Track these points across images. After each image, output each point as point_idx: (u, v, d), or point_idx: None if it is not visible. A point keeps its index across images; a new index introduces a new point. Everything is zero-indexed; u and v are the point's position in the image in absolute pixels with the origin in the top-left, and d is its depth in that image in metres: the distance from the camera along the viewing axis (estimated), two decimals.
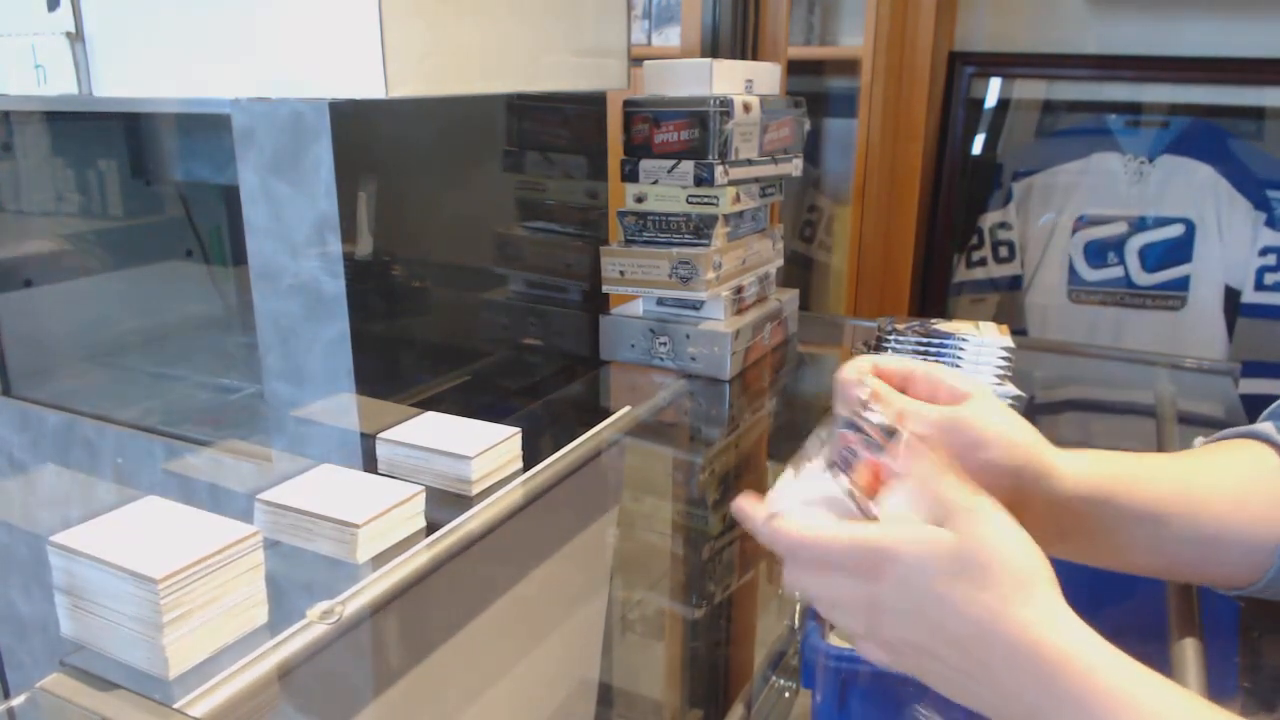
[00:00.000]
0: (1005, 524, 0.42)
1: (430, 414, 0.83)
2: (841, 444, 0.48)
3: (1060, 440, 0.54)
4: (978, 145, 1.90)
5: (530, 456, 0.82)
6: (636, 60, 1.08)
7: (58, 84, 0.86)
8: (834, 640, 0.66)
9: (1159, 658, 0.56)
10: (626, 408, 0.98)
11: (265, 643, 0.57)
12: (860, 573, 0.43)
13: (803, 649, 0.55)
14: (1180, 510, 0.54)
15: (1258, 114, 1.71)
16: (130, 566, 0.53)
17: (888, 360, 0.54)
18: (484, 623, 0.67)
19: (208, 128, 1.14)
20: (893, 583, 0.42)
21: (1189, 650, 0.57)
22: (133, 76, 0.83)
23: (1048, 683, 0.39)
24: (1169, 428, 0.97)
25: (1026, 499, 0.51)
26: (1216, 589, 0.58)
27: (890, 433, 0.47)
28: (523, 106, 1.00)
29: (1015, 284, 1.89)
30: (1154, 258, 1.78)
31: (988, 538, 0.41)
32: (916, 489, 0.44)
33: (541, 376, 1.08)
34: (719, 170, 1.03)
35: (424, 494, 0.70)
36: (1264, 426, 0.58)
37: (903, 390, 0.53)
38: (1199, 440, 0.62)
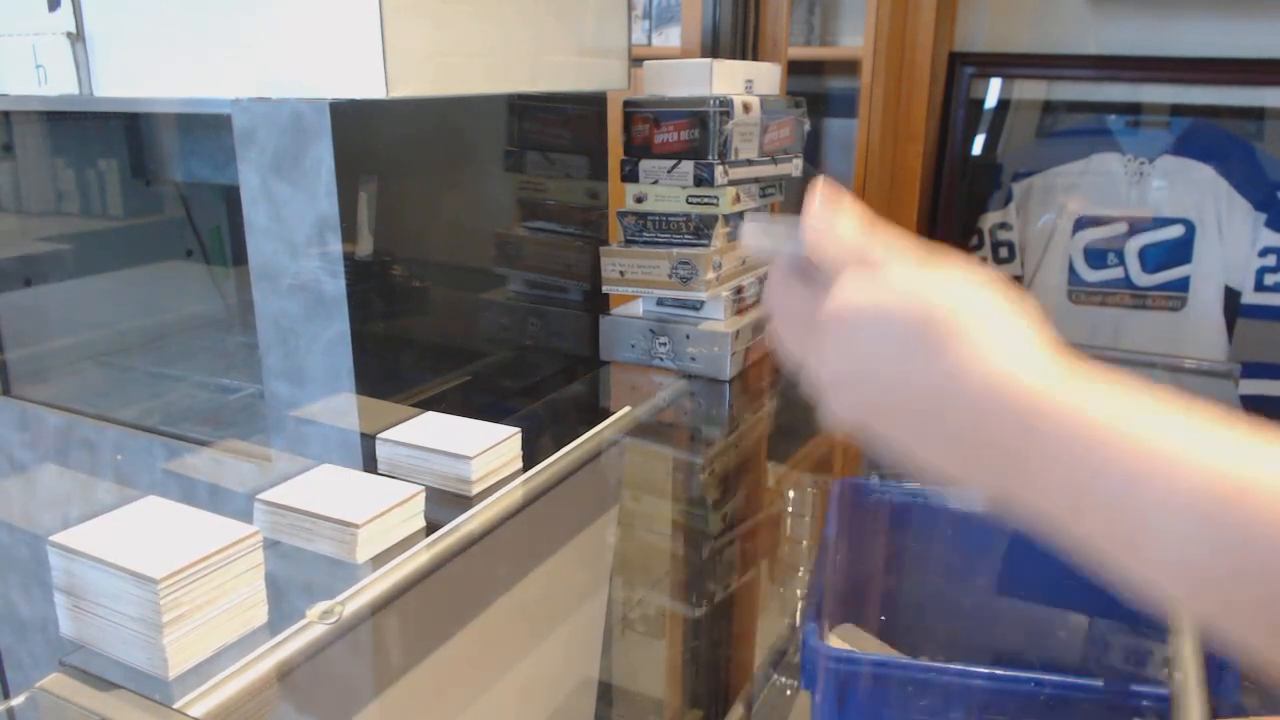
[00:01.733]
0: (967, 270, 0.38)
1: (430, 414, 0.83)
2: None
3: None
4: (978, 146, 1.90)
5: (530, 456, 0.81)
6: (637, 60, 1.08)
7: (58, 84, 0.86)
8: (834, 641, 0.66)
9: (1158, 658, 0.56)
10: (626, 408, 0.98)
11: (265, 643, 0.57)
12: (814, 324, 0.40)
13: (802, 650, 0.55)
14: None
15: (1258, 114, 1.71)
16: (130, 566, 0.53)
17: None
18: (484, 623, 0.67)
19: (208, 128, 1.14)
20: (846, 337, 0.39)
21: (1188, 649, 0.57)
22: (133, 76, 0.83)
23: (1024, 429, 0.33)
24: None
25: None
26: None
27: None
28: (523, 106, 1.00)
29: (1015, 284, 1.89)
30: (1154, 258, 1.78)
31: (936, 280, 0.37)
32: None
33: (541, 376, 1.08)
34: (719, 170, 1.03)
35: (424, 494, 0.70)
36: None
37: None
38: None
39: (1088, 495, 0.32)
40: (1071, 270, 1.84)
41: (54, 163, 1.19)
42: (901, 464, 0.38)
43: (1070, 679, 0.51)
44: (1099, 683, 0.51)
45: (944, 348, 0.35)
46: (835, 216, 0.42)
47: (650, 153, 1.06)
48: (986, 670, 0.53)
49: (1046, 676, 0.51)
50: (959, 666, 0.53)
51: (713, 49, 1.41)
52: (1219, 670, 0.57)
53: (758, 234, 0.45)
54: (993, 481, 0.35)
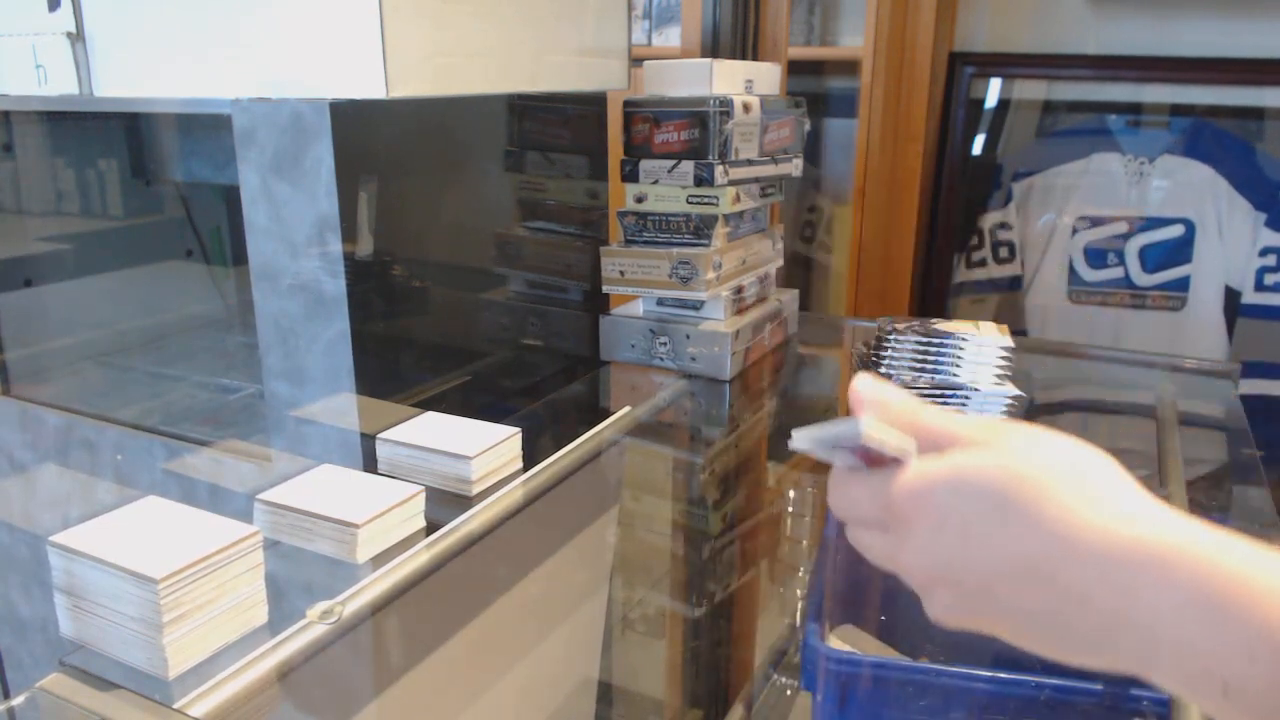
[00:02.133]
0: (1041, 432, 0.35)
1: (430, 414, 0.83)
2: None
3: None
4: (978, 146, 1.90)
5: (530, 456, 0.82)
6: (637, 60, 1.08)
7: (58, 84, 0.86)
8: (834, 642, 0.66)
9: None
10: (626, 408, 0.98)
11: (265, 643, 0.57)
12: (891, 523, 0.37)
13: (803, 651, 0.55)
14: None
15: (1258, 114, 1.71)
16: (130, 566, 0.53)
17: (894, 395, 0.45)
18: (484, 623, 0.67)
19: (208, 128, 1.14)
20: (927, 524, 0.35)
21: None
22: (133, 76, 0.83)
23: (1163, 584, 0.30)
24: (1169, 429, 0.97)
25: None
26: None
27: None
28: (523, 106, 1.00)
29: (1015, 284, 1.89)
30: (1154, 258, 1.78)
31: (1033, 445, 0.34)
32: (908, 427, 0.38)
33: (541, 376, 1.08)
34: (719, 170, 1.03)
35: (424, 494, 0.70)
36: None
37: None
38: None
39: (1235, 654, 0.29)
40: (1071, 270, 1.84)
41: (54, 163, 1.18)
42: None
43: (1070, 681, 0.51)
44: (1098, 685, 0.51)
45: (1040, 510, 0.33)
46: (886, 403, 0.39)
47: (650, 153, 1.06)
48: (987, 672, 0.53)
49: (1046, 679, 0.51)
50: (959, 668, 0.53)
51: (713, 49, 1.41)
52: None
53: (809, 441, 0.41)
54: (1128, 648, 0.32)
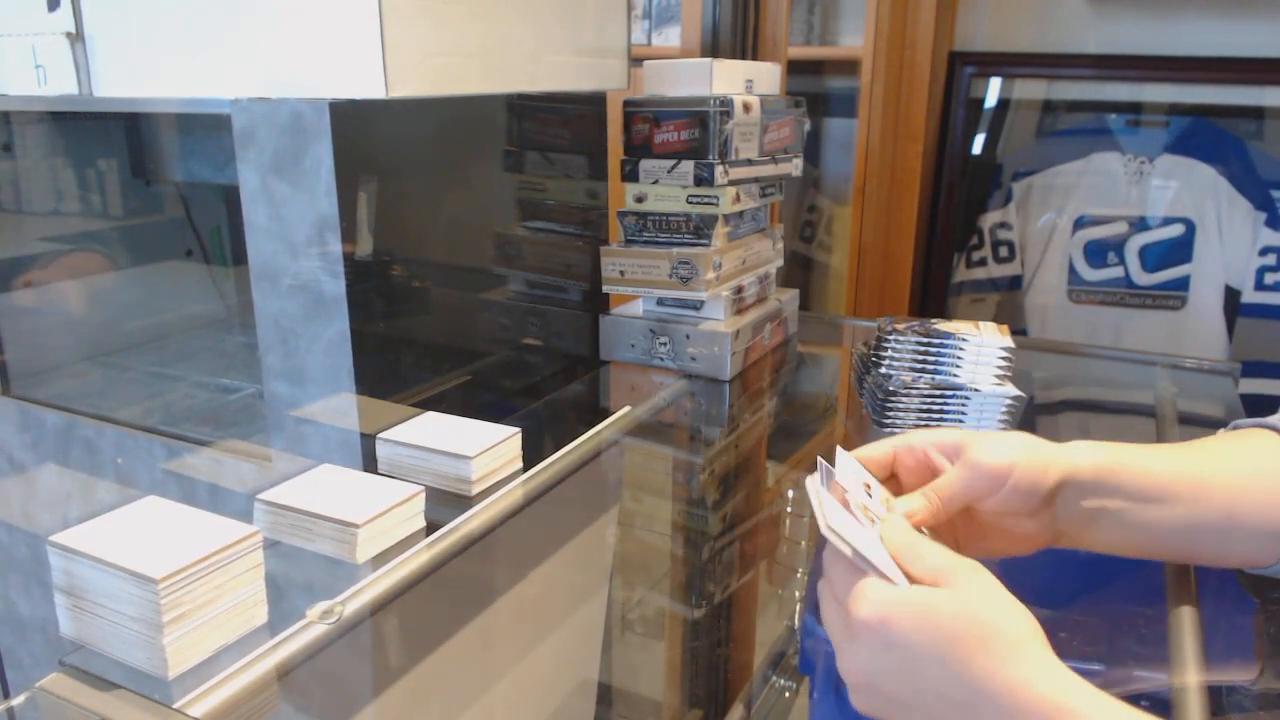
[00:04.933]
0: (991, 586, 0.43)
1: (430, 414, 0.83)
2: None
3: (1059, 442, 0.54)
4: (978, 145, 1.90)
5: (530, 456, 0.82)
6: (636, 60, 1.08)
7: (58, 84, 0.86)
8: None
9: (1158, 658, 0.56)
10: (626, 408, 0.98)
11: (265, 643, 0.57)
12: (850, 627, 0.44)
13: (801, 637, 0.55)
14: (1189, 493, 0.54)
15: (1258, 114, 1.71)
16: (130, 566, 0.53)
17: (868, 451, 0.57)
18: (484, 623, 0.67)
19: (208, 128, 1.14)
20: (881, 644, 0.43)
21: (1188, 648, 0.57)
22: (133, 76, 0.83)
23: None
24: (1169, 428, 0.97)
25: (1041, 500, 0.53)
26: (1237, 567, 0.59)
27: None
28: (523, 106, 1.00)
29: (1015, 284, 1.89)
30: (1154, 258, 1.78)
31: (976, 601, 0.42)
32: (901, 554, 0.45)
33: (541, 376, 1.08)
34: (719, 170, 1.03)
35: (424, 494, 0.70)
36: (1276, 418, 0.59)
37: (891, 471, 0.57)
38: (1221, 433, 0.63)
39: None
40: (1071, 270, 1.84)
41: (54, 163, 1.19)
42: None
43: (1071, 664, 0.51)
44: (1098, 665, 0.51)
45: (973, 660, 0.41)
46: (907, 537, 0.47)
47: (650, 152, 1.06)
48: None
49: None
50: None
51: (713, 49, 1.41)
52: (1219, 669, 0.57)
53: (814, 495, 0.49)
54: None
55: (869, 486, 0.53)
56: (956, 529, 0.55)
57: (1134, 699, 0.51)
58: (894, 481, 0.57)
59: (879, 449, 0.57)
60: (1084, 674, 0.50)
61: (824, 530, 0.46)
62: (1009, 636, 0.41)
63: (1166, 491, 0.54)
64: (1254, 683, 0.59)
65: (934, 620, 0.42)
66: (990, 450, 0.53)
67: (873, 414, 0.94)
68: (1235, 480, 0.55)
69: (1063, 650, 0.41)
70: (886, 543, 0.46)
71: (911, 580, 0.45)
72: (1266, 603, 0.64)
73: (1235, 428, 0.62)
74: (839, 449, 0.56)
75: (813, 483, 0.50)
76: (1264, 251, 1.69)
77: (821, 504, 0.48)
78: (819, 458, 0.53)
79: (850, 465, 0.55)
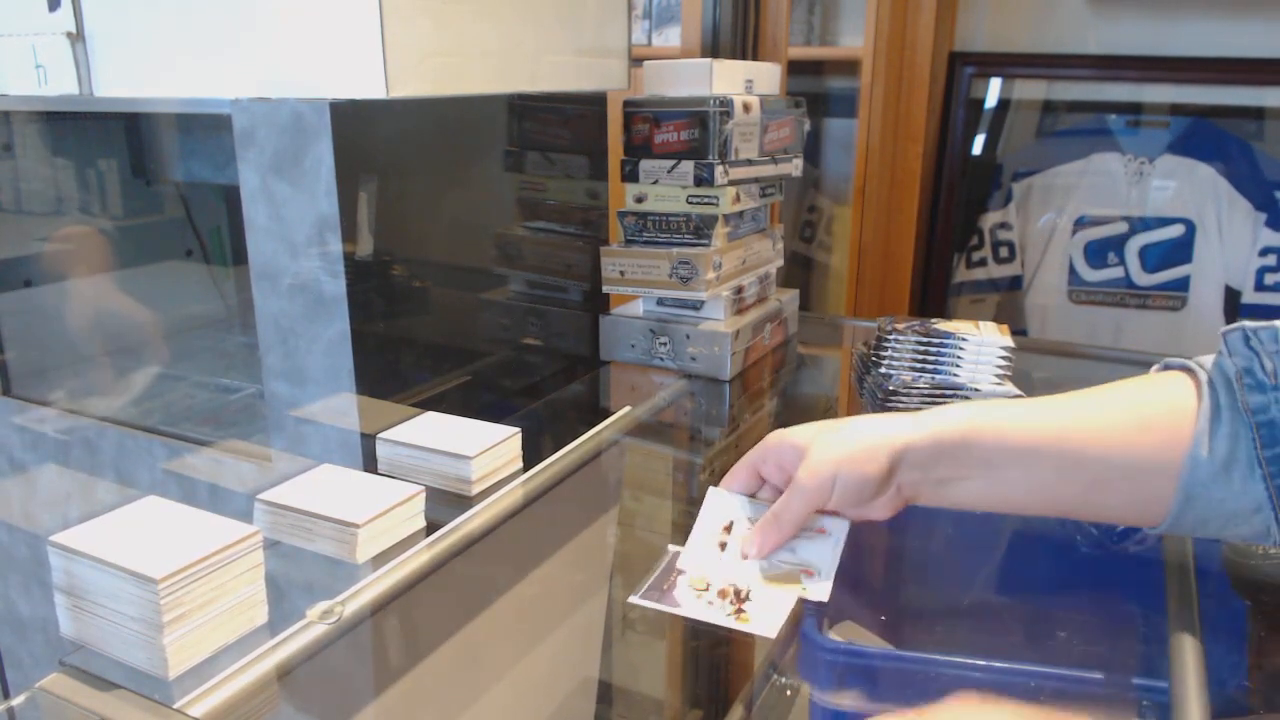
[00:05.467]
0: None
1: (430, 414, 0.83)
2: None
3: None
4: (978, 145, 1.90)
5: (530, 456, 0.82)
6: (637, 60, 1.08)
7: (58, 84, 0.86)
8: (831, 634, 0.66)
9: (1158, 658, 0.56)
10: (626, 408, 0.98)
11: (265, 643, 0.57)
12: None
13: (801, 643, 0.55)
14: (1052, 450, 0.54)
15: (1258, 114, 1.71)
16: (130, 566, 0.53)
17: (732, 480, 0.66)
18: (484, 623, 0.67)
19: (208, 128, 1.14)
20: None
21: (1188, 649, 0.57)
22: (133, 76, 0.83)
23: None
24: None
25: (876, 485, 0.58)
26: (1131, 525, 0.59)
27: None
28: (523, 106, 1.00)
29: (1015, 284, 1.89)
30: (1154, 258, 1.78)
31: None
32: None
33: (541, 376, 1.08)
34: (719, 170, 1.03)
35: (424, 494, 0.70)
36: (1193, 360, 0.56)
37: (760, 479, 0.65)
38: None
39: None
40: (1071, 270, 1.84)
41: (54, 163, 1.19)
42: None
43: (1070, 671, 0.51)
44: (1098, 675, 0.51)
45: None
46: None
47: (650, 153, 1.06)
48: (985, 663, 0.53)
49: (1046, 669, 0.51)
50: (958, 659, 0.53)
51: (713, 49, 1.41)
52: (1219, 670, 0.57)
53: None
54: None
55: (728, 528, 0.63)
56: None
57: (1133, 699, 0.51)
58: (769, 487, 0.65)
59: (737, 475, 0.66)
60: (1082, 683, 0.51)
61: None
62: None
63: (1023, 453, 0.55)
64: (1250, 686, 0.59)
65: None
66: (812, 468, 0.59)
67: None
68: (1114, 434, 0.53)
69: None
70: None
71: None
72: (1258, 605, 0.64)
73: (1165, 368, 0.58)
74: (710, 489, 0.64)
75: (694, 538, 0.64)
76: (1264, 252, 1.69)
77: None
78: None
79: (721, 502, 0.65)
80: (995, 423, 0.56)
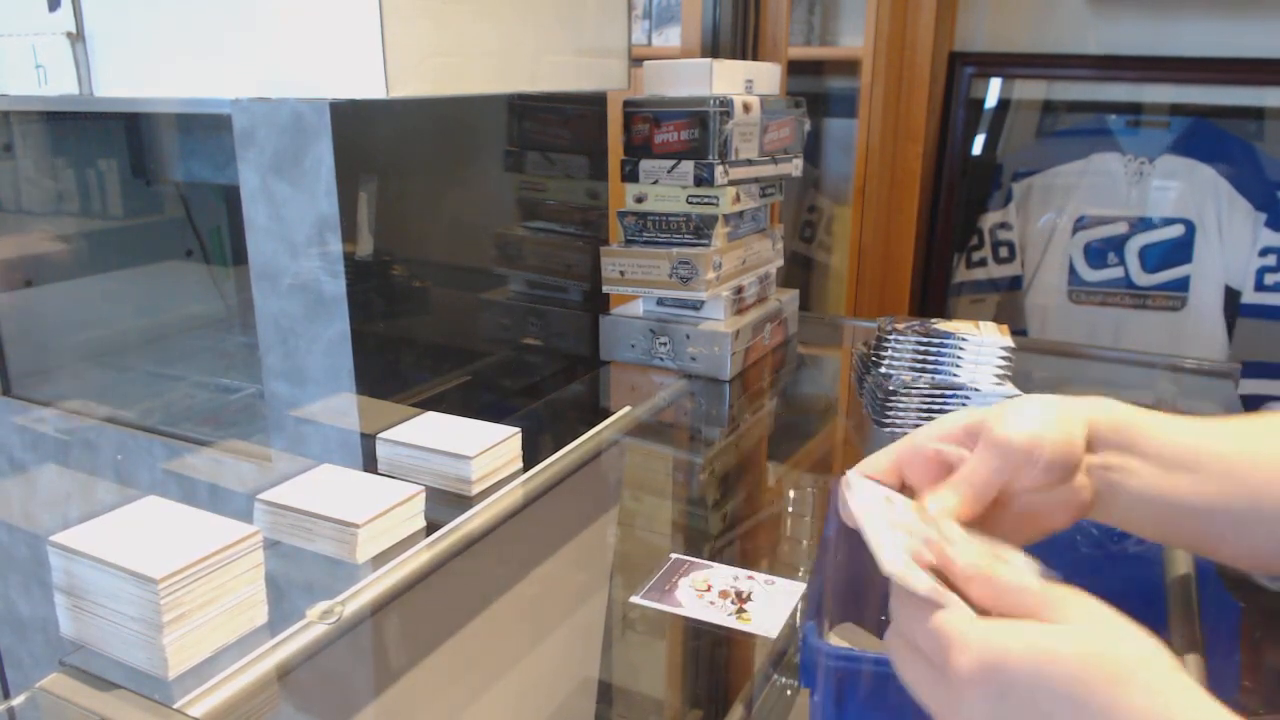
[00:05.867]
0: (1102, 614, 0.38)
1: (430, 414, 0.83)
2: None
3: None
4: (978, 145, 1.90)
5: (530, 456, 0.82)
6: (637, 60, 1.08)
7: (58, 84, 0.86)
8: (834, 640, 0.66)
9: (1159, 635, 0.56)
10: (626, 408, 0.98)
11: (265, 643, 0.57)
12: (952, 683, 0.39)
13: (801, 648, 0.55)
14: (1215, 467, 0.48)
15: (1258, 114, 1.71)
16: (130, 566, 0.53)
17: (867, 467, 0.50)
18: (484, 622, 0.67)
19: (208, 128, 1.14)
20: (997, 698, 0.37)
21: (1187, 650, 0.57)
22: (133, 76, 0.83)
23: None
24: None
25: (1075, 466, 0.48)
26: (1257, 574, 0.53)
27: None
28: (523, 107, 1.00)
29: (1015, 284, 1.89)
30: (1154, 258, 1.78)
31: (1094, 634, 0.37)
32: (983, 592, 0.40)
33: (541, 376, 1.08)
34: (719, 170, 1.03)
35: (424, 494, 0.70)
36: None
37: (900, 481, 0.50)
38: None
39: None
40: (1071, 270, 1.84)
41: (54, 163, 1.19)
42: None
43: None
44: None
45: (1105, 697, 0.35)
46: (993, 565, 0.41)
47: (650, 153, 1.06)
48: None
49: None
50: None
51: (713, 49, 1.41)
52: (1217, 671, 0.57)
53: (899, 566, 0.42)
54: None
55: (889, 500, 0.48)
56: (985, 522, 0.49)
57: None
58: (906, 491, 0.50)
59: (879, 463, 0.50)
60: None
61: (888, 572, 0.40)
62: (1138, 666, 0.36)
63: (1189, 460, 0.48)
64: (1246, 686, 0.59)
65: (1054, 662, 0.36)
66: (1014, 424, 0.46)
67: (873, 414, 0.94)
68: (1268, 464, 0.48)
69: None
70: (961, 569, 0.40)
71: (998, 612, 0.39)
72: (1255, 606, 0.64)
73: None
74: (849, 474, 0.49)
75: (859, 510, 0.45)
76: (1264, 252, 1.69)
77: (879, 541, 0.42)
78: (843, 484, 0.47)
79: (865, 486, 0.49)
80: (1161, 422, 0.49)
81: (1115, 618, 0.38)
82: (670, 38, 1.95)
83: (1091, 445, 0.48)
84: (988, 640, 0.38)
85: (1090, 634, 0.37)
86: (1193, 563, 0.65)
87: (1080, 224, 1.83)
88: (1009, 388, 0.91)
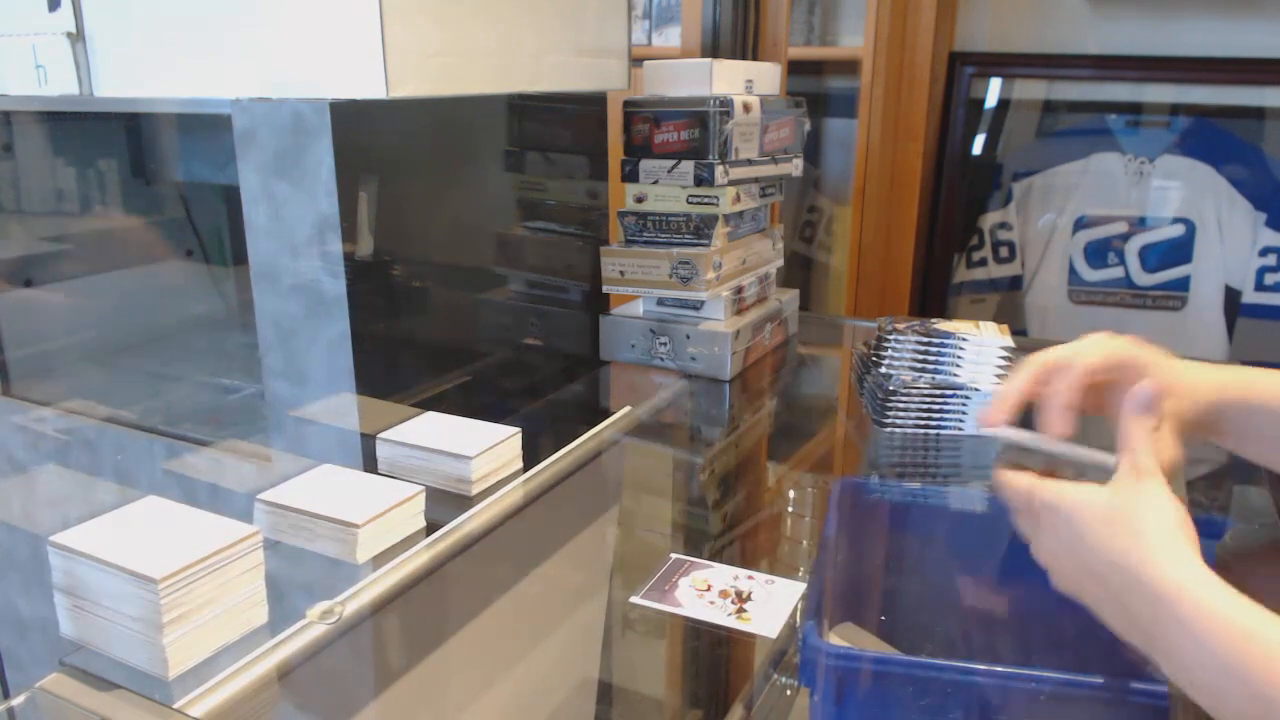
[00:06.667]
0: (1152, 487, 0.51)
1: (430, 414, 0.83)
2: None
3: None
4: (978, 145, 1.90)
5: (530, 456, 0.82)
6: (637, 60, 1.08)
7: (59, 84, 0.86)
8: (833, 639, 0.66)
9: None
10: (626, 408, 0.98)
11: (265, 643, 0.57)
12: (1033, 516, 0.55)
13: (801, 648, 0.55)
14: None
15: (1258, 114, 1.71)
16: (130, 566, 0.53)
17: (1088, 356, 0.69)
18: (484, 623, 0.67)
19: (208, 128, 1.14)
20: (1051, 526, 0.53)
21: None
22: (133, 76, 0.83)
23: (1164, 609, 0.46)
24: None
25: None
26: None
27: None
28: (523, 107, 1.00)
29: (1015, 284, 1.89)
30: (1154, 258, 1.78)
31: (1130, 498, 0.50)
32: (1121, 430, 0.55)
33: (541, 376, 1.08)
34: (719, 170, 1.03)
35: (424, 494, 0.70)
36: None
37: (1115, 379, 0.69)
38: None
39: (1186, 658, 0.45)
40: (1071, 270, 1.84)
41: (54, 163, 1.19)
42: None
43: (1070, 675, 0.51)
44: (1099, 679, 0.51)
45: (1121, 545, 0.49)
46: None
47: (650, 153, 1.06)
48: (986, 667, 0.53)
49: (1046, 674, 0.51)
50: (959, 664, 0.53)
51: (713, 49, 1.41)
52: None
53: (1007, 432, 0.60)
54: (1138, 638, 0.49)
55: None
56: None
57: (1134, 701, 0.51)
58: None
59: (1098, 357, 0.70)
60: (1080, 686, 0.51)
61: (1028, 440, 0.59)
62: (1145, 526, 0.49)
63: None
64: None
65: (1090, 506, 0.51)
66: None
67: (873, 414, 0.94)
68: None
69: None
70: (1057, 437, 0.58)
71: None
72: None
73: None
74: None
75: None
76: (1264, 252, 1.69)
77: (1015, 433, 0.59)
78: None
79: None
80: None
81: (1158, 496, 0.50)
82: (670, 38, 1.95)
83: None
84: (1054, 490, 0.53)
85: (1126, 498, 0.50)
86: None
87: (1080, 224, 1.83)
88: None
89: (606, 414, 0.96)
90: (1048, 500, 0.54)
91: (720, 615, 0.62)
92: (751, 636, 0.61)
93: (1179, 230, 1.75)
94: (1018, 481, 0.56)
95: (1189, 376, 0.69)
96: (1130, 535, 0.49)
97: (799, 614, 0.64)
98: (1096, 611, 0.52)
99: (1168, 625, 0.46)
